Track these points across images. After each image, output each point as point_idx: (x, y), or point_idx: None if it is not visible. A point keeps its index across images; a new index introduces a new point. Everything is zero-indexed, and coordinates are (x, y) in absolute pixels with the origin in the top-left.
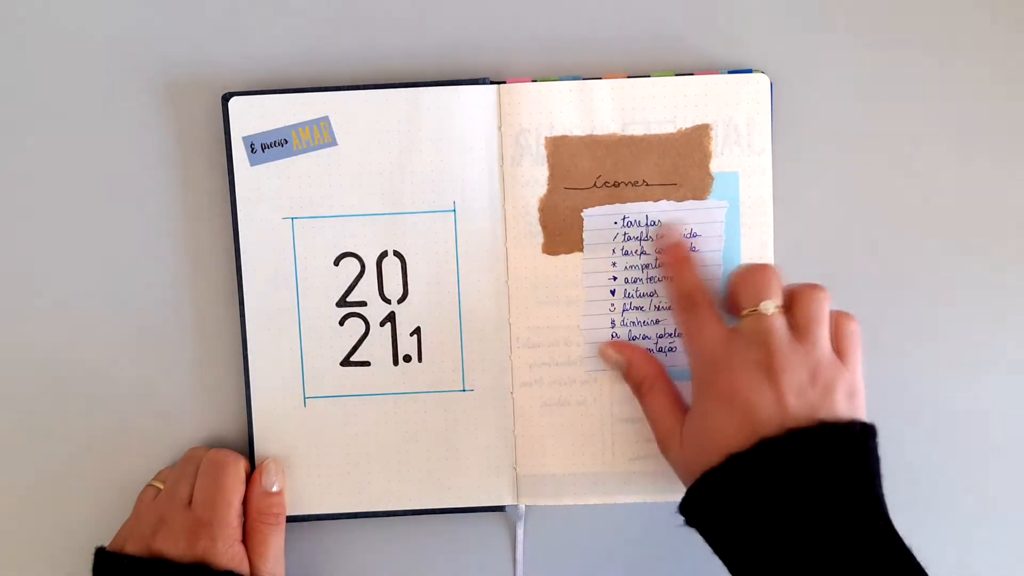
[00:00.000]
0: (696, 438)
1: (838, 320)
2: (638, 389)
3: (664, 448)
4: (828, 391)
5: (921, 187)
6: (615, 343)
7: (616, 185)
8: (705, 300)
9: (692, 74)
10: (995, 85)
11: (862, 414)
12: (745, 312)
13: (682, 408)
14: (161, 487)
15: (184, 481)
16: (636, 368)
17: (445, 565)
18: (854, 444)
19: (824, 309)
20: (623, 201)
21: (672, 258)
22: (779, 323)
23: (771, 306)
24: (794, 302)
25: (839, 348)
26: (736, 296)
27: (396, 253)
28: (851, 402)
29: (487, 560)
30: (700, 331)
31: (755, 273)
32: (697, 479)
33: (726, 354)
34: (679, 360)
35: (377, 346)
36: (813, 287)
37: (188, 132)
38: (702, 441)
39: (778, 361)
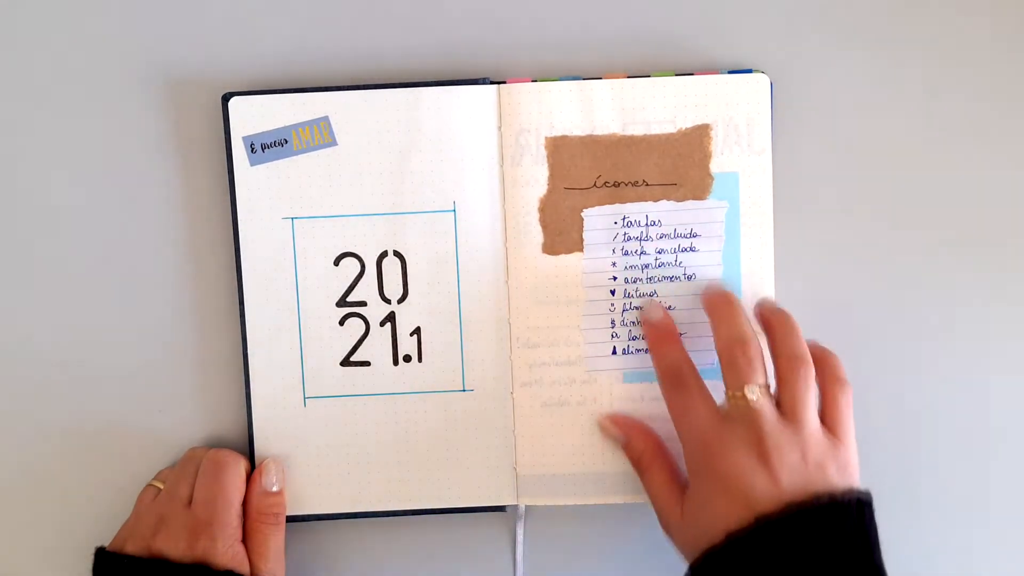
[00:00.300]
0: (695, 518)
1: (830, 391)
2: (637, 464)
3: (664, 524)
4: (821, 468)
5: (921, 187)
6: (614, 417)
7: (616, 185)
8: (693, 377)
9: (692, 74)
10: (995, 84)
11: (856, 484)
12: (731, 395)
13: (680, 483)
14: (161, 487)
15: (184, 481)
16: (634, 443)
17: (445, 565)
18: (851, 516)
19: (809, 387)
20: (623, 201)
21: (656, 334)
22: (766, 406)
23: (755, 391)
24: (779, 381)
25: (830, 421)
26: (722, 371)
27: (396, 253)
28: (843, 474)
29: (487, 560)
30: (690, 413)
31: (738, 352)
32: (699, 558)
33: (717, 437)
34: None
35: (377, 346)
36: (796, 363)
37: (188, 132)
38: (701, 521)
39: (769, 444)
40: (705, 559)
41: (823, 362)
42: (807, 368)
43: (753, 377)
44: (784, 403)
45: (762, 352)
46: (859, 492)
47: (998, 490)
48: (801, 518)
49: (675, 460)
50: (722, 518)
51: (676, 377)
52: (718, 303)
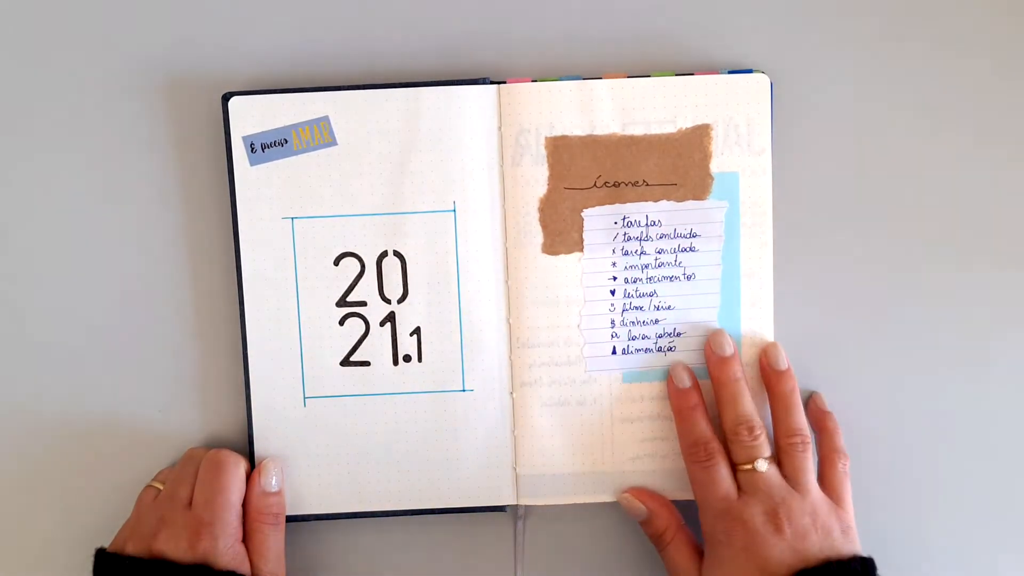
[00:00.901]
0: None
1: (829, 459)
2: (659, 540)
3: None
4: (827, 531)
5: (920, 187)
6: (636, 491)
7: (616, 185)
8: (717, 452)
9: (692, 74)
10: (995, 85)
11: (858, 547)
12: (741, 469)
13: (699, 553)
14: (161, 488)
15: (184, 482)
16: (657, 519)
17: (445, 565)
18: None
19: (808, 458)
20: (623, 201)
21: (682, 404)
22: (774, 475)
23: (763, 464)
24: (780, 454)
25: (829, 487)
26: (729, 447)
27: (396, 253)
28: (846, 537)
29: (487, 560)
30: (714, 487)
31: (744, 433)
32: None
33: (737, 509)
34: (680, 358)
35: (377, 346)
36: (795, 438)
37: (188, 132)
38: None
39: (782, 512)
40: None
41: (824, 431)
42: (805, 441)
43: (760, 452)
44: (787, 472)
45: (765, 428)
46: (863, 558)
47: (998, 488)
48: None
49: (692, 532)
50: None
51: (701, 452)
52: (724, 381)
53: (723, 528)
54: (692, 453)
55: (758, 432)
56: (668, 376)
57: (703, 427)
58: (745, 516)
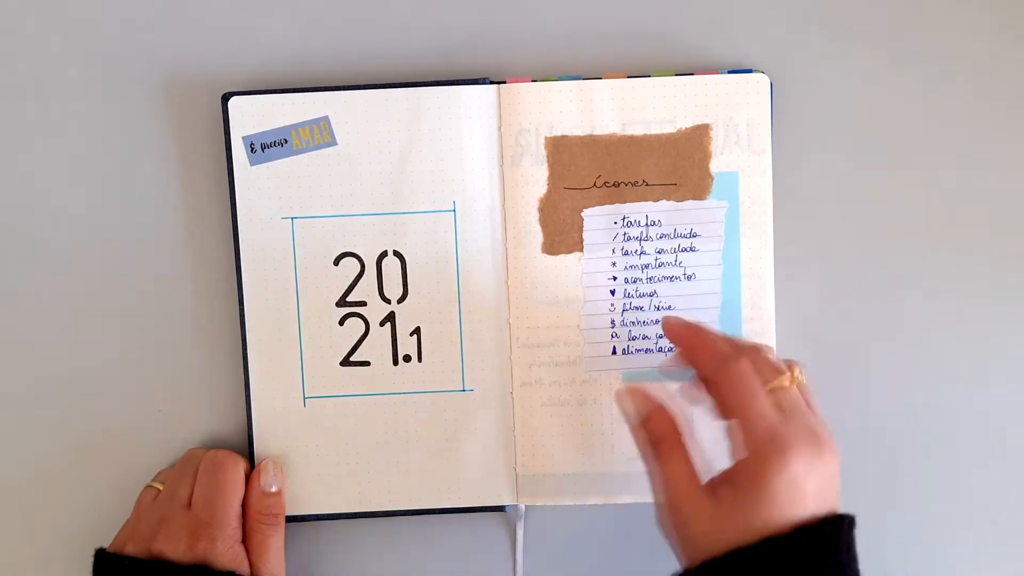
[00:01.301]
0: (739, 512)
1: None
2: (655, 447)
3: (672, 512)
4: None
5: (921, 187)
6: (634, 390)
7: (616, 185)
8: (748, 361)
9: (692, 74)
10: (995, 85)
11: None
12: (777, 385)
13: (696, 476)
14: (161, 488)
15: (184, 482)
16: (656, 424)
17: (445, 565)
18: (851, 530)
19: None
20: (623, 201)
21: (690, 332)
22: (800, 396)
23: (803, 375)
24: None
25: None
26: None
27: (396, 253)
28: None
29: (487, 560)
30: (755, 401)
31: (763, 348)
32: (722, 555)
33: (789, 432)
34: None
35: (377, 346)
36: (790, 361)
37: (188, 132)
38: (741, 518)
39: (822, 436)
40: (731, 556)
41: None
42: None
43: (786, 365)
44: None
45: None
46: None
47: (997, 491)
48: (830, 529)
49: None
50: (765, 519)
51: (732, 361)
52: (691, 331)
53: (776, 451)
54: (719, 366)
55: (767, 350)
56: (664, 324)
57: (721, 340)
58: (796, 440)
